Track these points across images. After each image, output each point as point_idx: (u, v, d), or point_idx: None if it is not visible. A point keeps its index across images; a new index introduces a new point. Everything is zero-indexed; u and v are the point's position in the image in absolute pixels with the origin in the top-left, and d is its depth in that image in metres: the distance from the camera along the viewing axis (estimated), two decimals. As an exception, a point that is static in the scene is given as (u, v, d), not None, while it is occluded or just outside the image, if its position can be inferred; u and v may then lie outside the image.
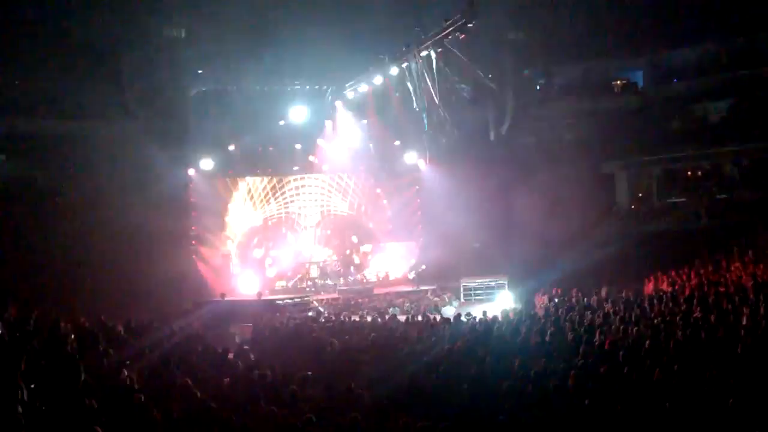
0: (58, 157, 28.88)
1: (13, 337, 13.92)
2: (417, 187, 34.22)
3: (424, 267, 31.15)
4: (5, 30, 26.06)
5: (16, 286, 22.90)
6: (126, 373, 10.88)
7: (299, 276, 31.49)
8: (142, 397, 9.42)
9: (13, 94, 29.11)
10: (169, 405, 9.50)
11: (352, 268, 32.43)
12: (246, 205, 32.34)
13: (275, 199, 32.89)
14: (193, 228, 30.75)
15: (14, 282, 23.56)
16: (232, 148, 31.01)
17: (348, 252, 33.62)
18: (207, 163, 30.62)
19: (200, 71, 29.46)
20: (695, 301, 17.64)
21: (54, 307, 19.47)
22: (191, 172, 30.26)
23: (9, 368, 10.46)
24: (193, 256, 30.24)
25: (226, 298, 25.46)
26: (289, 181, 33.12)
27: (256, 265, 31.43)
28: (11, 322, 16.18)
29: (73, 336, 14.38)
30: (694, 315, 15.79)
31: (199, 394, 10.03)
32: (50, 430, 8.33)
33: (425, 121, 27.45)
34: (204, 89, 30.90)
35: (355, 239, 34.17)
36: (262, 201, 32.60)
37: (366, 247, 34.01)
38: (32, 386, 9.66)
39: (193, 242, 30.61)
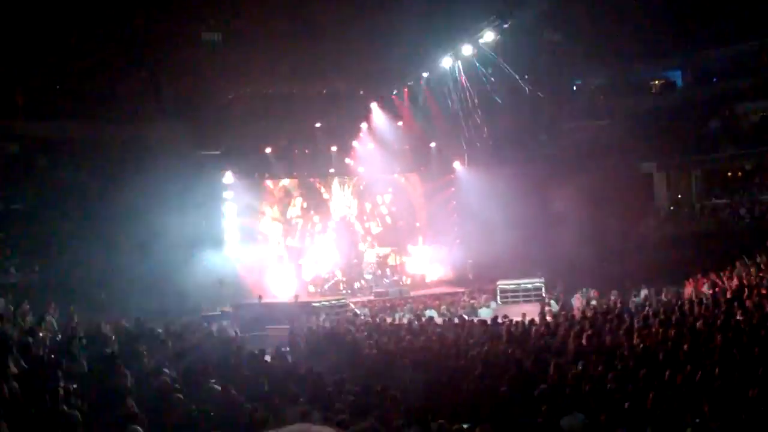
0: (97, 160, 29.27)
1: (56, 338, 14.18)
2: (453, 188, 34.09)
3: (470, 261, 31.04)
4: (45, 35, 26.48)
5: (59, 288, 23.32)
6: (166, 373, 11.02)
7: (336, 279, 31.57)
8: (181, 397, 9.52)
9: (51, 97, 29.58)
10: (207, 406, 9.60)
11: (388, 270, 32.43)
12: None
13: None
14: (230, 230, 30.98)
15: (56, 285, 23.99)
16: (268, 150, 31.20)
17: (390, 252, 33.68)
18: (243, 166, 30.84)
19: (237, 74, 29.65)
20: (736, 303, 17.39)
21: (95, 309, 19.83)
22: (228, 174, 30.48)
23: (52, 368, 10.66)
24: (231, 259, 30.43)
25: (263, 301, 25.64)
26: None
27: (294, 268, 31.54)
28: (54, 324, 16.49)
29: (113, 337, 14.61)
30: (735, 318, 15.57)
31: (236, 394, 10.12)
32: (91, 428, 8.45)
33: (462, 123, 27.40)
34: (241, 92, 31.13)
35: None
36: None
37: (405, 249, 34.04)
38: (74, 386, 9.84)
39: (231, 244, 30.82)
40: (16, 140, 29.35)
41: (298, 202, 32.82)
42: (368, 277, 31.70)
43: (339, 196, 33.44)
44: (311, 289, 31.00)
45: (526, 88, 26.48)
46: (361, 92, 32.64)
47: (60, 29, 26.49)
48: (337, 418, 8.93)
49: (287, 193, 32.75)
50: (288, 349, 16.82)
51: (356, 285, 31.38)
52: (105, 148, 29.37)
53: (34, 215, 27.94)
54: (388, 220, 34.17)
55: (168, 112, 29.49)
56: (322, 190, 33.34)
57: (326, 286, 31.03)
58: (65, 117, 29.12)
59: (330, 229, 32.95)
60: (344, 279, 31.63)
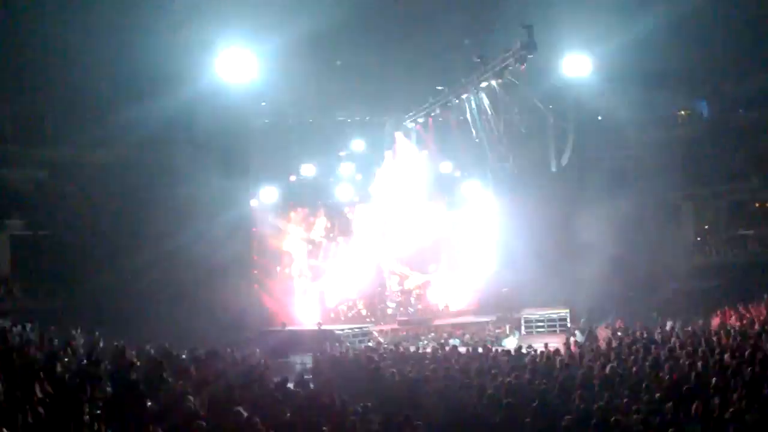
0: (125, 187, 29.55)
1: (81, 364, 14.24)
2: (477, 217, 34.04)
3: (506, 289, 30.61)
4: (74, 65, 26.90)
5: (84, 315, 23.49)
6: (190, 400, 11.01)
7: (357, 309, 31.52)
8: (205, 425, 9.50)
9: (79, 125, 30.00)
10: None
11: (412, 299, 32.35)
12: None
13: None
14: (255, 257, 31.09)
15: (81, 311, 24.16)
16: (293, 178, 31.38)
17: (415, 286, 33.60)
18: (269, 194, 31.03)
19: (262, 104, 29.89)
20: (764, 336, 17.16)
21: (120, 335, 19.94)
22: (254, 202, 30.65)
23: (76, 394, 10.71)
24: (255, 286, 30.51)
25: (287, 328, 25.65)
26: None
27: (317, 294, 31.54)
28: (79, 350, 16.58)
29: (138, 363, 14.65)
30: (764, 350, 15.34)
31: (260, 422, 10.09)
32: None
33: (488, 152, 27.43)
34: (266, 121, 31.42)
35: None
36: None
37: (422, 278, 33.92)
38: (98, 411, 9.87)
39: (255, 271, 30.92)
40: (45, 167, 29.77)
41: (321, 222, 32.87)
42: (392, 305, 31.62)
43: (362, 213, 33.51)
44: (334, 316, 30.96)
45: (551, 118, 26.48)
46: (386, 120, 32.82)
47: (88, 59, 26.89)
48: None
49: (311, 212, 32.81)
50: (311, 376, 16.79)
51: (379, 313, 31.22)
52: (133, 175, 29.66)
53: (62, 241, 28.22)
54: (411, 238, 34.19)
55: (196, 140, 29.75)
56: (346, 208, 33.41)
57: (350, 314, 30.98)
58: (93, 144, 29.48)
59: (352, 250, 32.93)
60: (367, 309, 31.49)
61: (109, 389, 11.55)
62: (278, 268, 31.94)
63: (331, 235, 32.90)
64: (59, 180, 29.66)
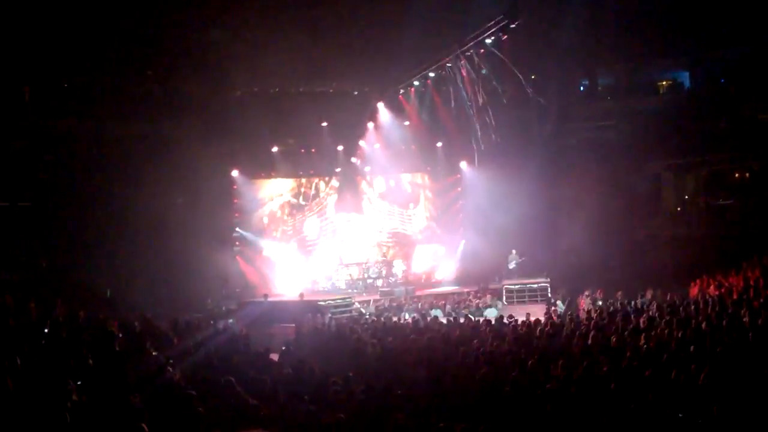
0: (104, 157, 29.27)
1: (62, 335, 14.20)
2: (459, 188, 34.09)
3: (524, 259, 30.47)
4: (53, 33, 26.53)
5: (65, 286, 23.39)
6: (171, 371, 11.03)
7: (341, 278, 31.54)
8: (188, 394, 9.52)
9: (58, 95, 29.63)
10: (213, 403, 9.60)
11: (393, 269, 32.40)
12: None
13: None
14: (236, 229, 31.01)
15: (62, 282, 24.05)
16: (275, 149, 31.22)
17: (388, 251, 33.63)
18: (250, 164, 30.88)
19: (244, 72, 29.63)
20: (743, 304, 17.36)
21: (101, 306, 19.90)
22: (235, 173, 30.49)
23: (58, 365, 10.69)
24: (237, 257, 30.45)
25: (268, 299, 25.64)
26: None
27: (299, 264, 31.52)
28: (60, 321, 16.52)
29: (120, 335, 14.63)
30: (742, 319, 15.54)
31: (242, 392, 10.12)
32: (97, 427, 8.45)
33: (475, 122, 27.37)
34: (248, 90, 31.14)
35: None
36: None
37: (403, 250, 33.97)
38: (79, 382, 9.85)
39: (237, 243, 30.85)
40: (24, 137, 29.40)
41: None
42: (374, 275, 31.66)
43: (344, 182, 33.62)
44: (323, 284, 30.94)
45: (529, 91, 26.41)
46: (368, 91, 32.64)
47: (68, 27, 26.52)
48: (340, 418, 8.91)
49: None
50: (293, 347, 16.84)
51: (361, 283, 31.18)
52: (112, 145, 29.36)
53: (41, 212, 27.98)
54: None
55: (176, 110, 29.51)
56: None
57: (332, 284, 30.96)
58: (72, 114, 29.15)
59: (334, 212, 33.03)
60: (349, 279, 31.50)
61: (90, 360, 11.53)
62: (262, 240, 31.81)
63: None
64: (38, 150, 29.32)
